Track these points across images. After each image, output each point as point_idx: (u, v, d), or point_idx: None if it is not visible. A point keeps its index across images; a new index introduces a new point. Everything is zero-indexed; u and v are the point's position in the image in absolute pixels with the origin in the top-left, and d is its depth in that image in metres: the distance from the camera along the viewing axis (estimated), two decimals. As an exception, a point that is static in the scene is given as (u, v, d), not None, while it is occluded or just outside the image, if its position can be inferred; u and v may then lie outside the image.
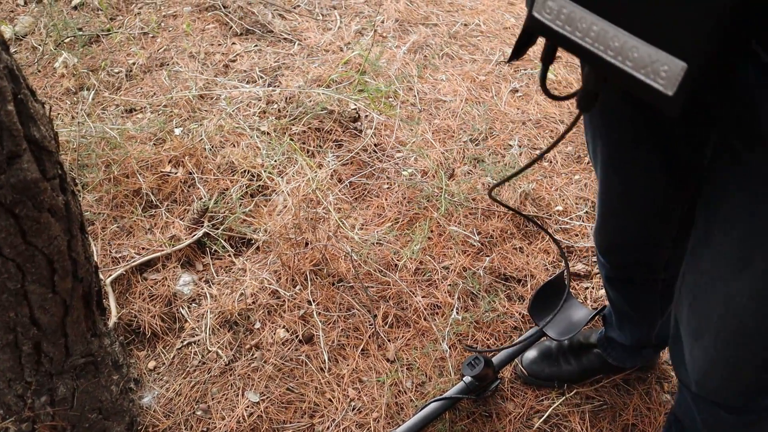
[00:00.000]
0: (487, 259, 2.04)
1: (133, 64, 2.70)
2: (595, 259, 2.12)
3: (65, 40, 2.81)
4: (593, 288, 2.03)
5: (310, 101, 2.46)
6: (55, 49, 2.74)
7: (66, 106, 2.44)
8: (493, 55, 2.96)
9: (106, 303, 1.71)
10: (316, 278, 1.92)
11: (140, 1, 3.10)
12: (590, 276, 2.07)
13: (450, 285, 1.94)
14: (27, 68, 2.66)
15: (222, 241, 1.99)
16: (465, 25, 3.17)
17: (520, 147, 2.45)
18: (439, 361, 1.76)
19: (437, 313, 1.88)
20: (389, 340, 1.81)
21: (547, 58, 0.72)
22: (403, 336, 1.82)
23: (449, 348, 1.78)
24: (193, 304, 1.85)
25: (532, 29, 0.67)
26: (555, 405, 1.67)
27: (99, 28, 2.91)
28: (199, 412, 1.62)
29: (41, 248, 1.15)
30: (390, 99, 2.58)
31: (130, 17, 2.99)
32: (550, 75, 2.77)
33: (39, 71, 2.66)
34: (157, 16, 2.98)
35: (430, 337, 1.81)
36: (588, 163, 2.44)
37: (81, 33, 2.85)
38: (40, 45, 2.77)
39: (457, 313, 1.88)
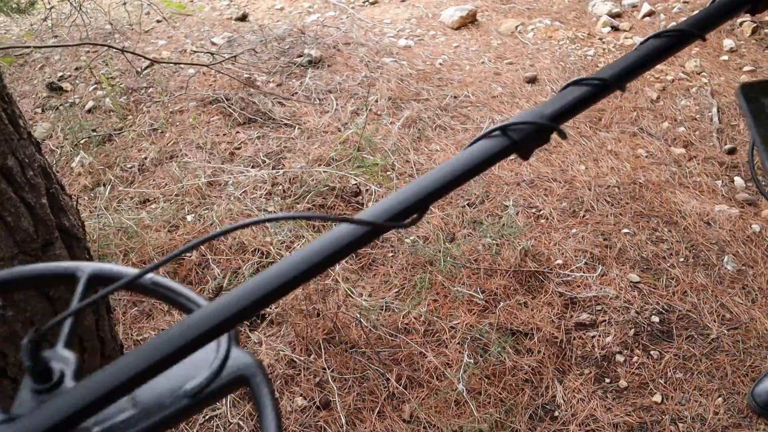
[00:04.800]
0: (493, 315, 2.11)
1: (145, 158, 2.87)
2: (600, 308, 2.19)
3: (81, 141, 2.99)
4: (599, 336, 2.09)
5: (313, 180, 2.60)
6: (72, 150, 2.92)
7: (84, 202, 2.59)
8: (483, 123, 3.12)
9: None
10: (330, 346, 1.99)
11: (148, 100, 3.31)
12: (595, 324, 2.13)
13: (459, 343, 2.01)
14: (46, 170, 2.82)
15: (237, 317, 2.07)
16: (455, 97, 3.35)
17: (515, 207, 2.57)
18: (455, 418, 1.80)
19: (449, 371, 1.93)
20: (404, 402, 1.86)
21: None
22: (417, 396, 1.87)
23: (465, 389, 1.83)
24: (213, 380, 1.92)
25: None
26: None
27: (111, 127, 3.10)
28: (223, 485, 1.66)
29: (72, 328, 1.25)
30: (388, 172, 2.72)
31: (140, 116, 3.19)
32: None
33: (58, 171, 2.82)
34: (165, 113, 3.17)
35: (446, 389, 1.86)
36: (583, 216, 2.55)
37: (95, 134, 3.04)
38: (57, 148, 2.95)
39: (466, 369, 1.93)
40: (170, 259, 0.47)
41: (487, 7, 4.61)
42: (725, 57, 3.76)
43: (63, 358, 0.48)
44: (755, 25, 3.99)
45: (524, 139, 0.55)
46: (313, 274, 0.48)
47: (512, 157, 2.87)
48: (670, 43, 0.63)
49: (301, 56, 3.67)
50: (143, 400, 0.47)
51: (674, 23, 4.21)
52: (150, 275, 0.55)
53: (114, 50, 3.80)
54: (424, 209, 0.51)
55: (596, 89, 0.59)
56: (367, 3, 4.79)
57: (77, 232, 1.25)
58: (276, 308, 2.09)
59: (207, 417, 1.80)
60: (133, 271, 0.53)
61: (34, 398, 0.46)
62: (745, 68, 3.63)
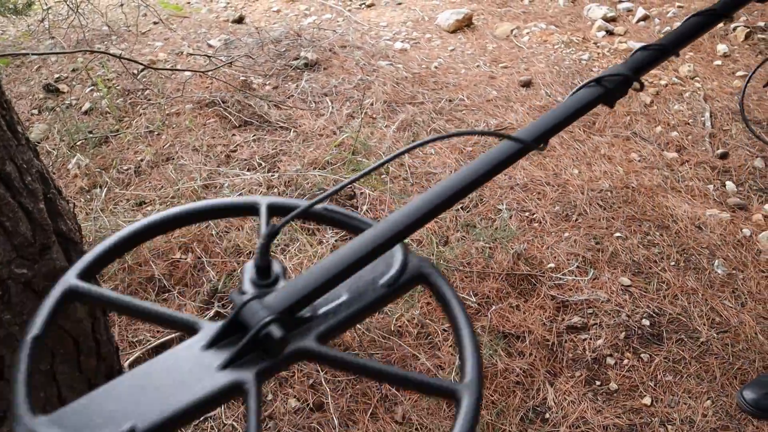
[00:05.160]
0: (486, 318, 2.13)
1: (141, 160, 2.88)
2: (591, 311, 2.21)
3: (77, 143, 3.01)
4: (590, 339, 2.12)
5: (308, 183, 2.62)
6: (69, 152, 2.93)
7: (81, 204, 2.60)
8: (478, 126, 3.14)
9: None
10: (323, 348, 2.01)
11: (145, 102, 3.33)
12: (587, 327, 2.15)
13: (451, 345, 2.03)
14: (42, 172, 2.84)
15: (232, 319, 2.09)
16: (450, 101, 3.37)
17: (509, 210, 2.59)
18: (448, 420, 1.82)
19: (441, 373, 1.96)
20: (397, 403, 1.88)
21: None
22: (409, 398, 1.89)
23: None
24: (208, 382, 1.93)
25: None
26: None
27: (108, 129, 3.12)
28: (217, 486, 1.68)
29: (68, 330, 1.26)
30: (383, 176, 2.74)
31: (137, 118, 3.20)
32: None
33: (54, 173, 2.84)
34: (162, 115, 3.19)
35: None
36: (576, 220, 2.57)
37: (92, 135, 3.05)
38: (54, 149, 2.97)
39: (458, 372, 1.95)
40: (345, 186, 0.60)
41: (483, 11, 4.64)
42: (718, 62, 3.80)
43: (275, 264, 0.59)
44: (748, 30, 4.02)
45: (614, 88, 0.69)
46: (478, 183, 0.60)
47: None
48: (706, 20, 0.77)
49: (297, 59, 3.69)
50: (351, 289, 0.58)
51: (669, 27, 4.24)
52: (322, 204, 0.64)
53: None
54: (546, 141, 0.65)
55: (658, 53, 0.74)
56: (363, 6, 4.82)
57: (74, 236, 1.27)
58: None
59: (201, 418, 1.82)
60: (304, 202, 0.64)
61: (257, 289, 0.56)
62: (738, 73, 3.66)
